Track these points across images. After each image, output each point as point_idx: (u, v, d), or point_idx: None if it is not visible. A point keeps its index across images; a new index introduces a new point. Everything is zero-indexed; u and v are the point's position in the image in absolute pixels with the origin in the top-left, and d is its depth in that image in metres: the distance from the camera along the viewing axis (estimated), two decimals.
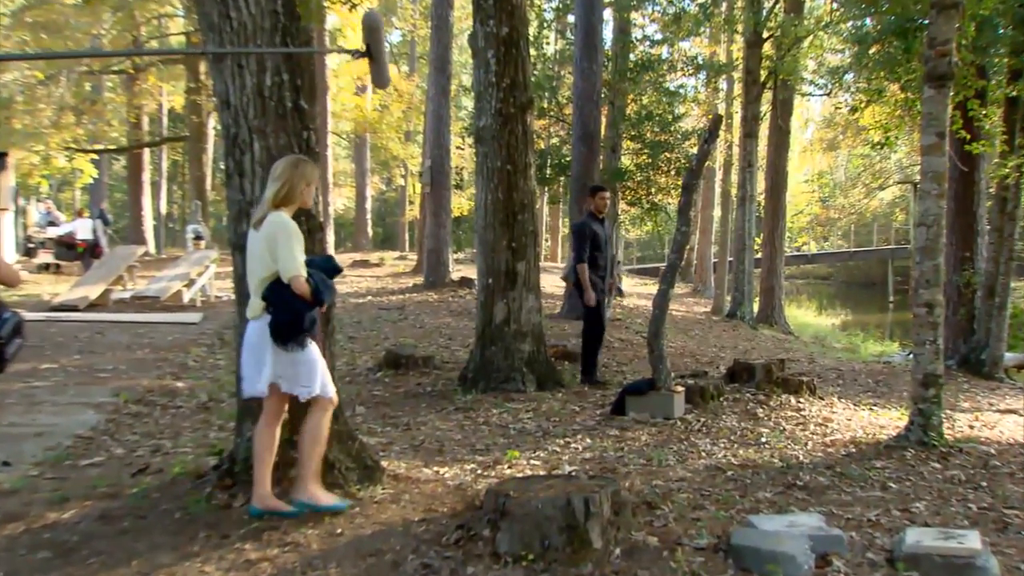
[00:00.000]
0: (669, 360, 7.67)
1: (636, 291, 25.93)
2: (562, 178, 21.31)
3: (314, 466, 4.42)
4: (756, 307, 21.05)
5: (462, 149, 33.88)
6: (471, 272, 19.89)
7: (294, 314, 4.20)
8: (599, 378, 8.91)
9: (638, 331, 13.38)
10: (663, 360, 7.34)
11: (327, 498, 4.47)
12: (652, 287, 26.57)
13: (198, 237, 23.99)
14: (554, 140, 24.24)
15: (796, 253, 46.59)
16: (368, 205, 37.40)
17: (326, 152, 25.45)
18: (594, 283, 8.67)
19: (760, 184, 23.12)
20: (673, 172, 19.38)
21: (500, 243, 8.41)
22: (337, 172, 38.91)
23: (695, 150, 18.34)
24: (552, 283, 25.18)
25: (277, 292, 4.22)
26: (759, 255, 22.41)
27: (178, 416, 7.27)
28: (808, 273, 56.51)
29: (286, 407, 4.49)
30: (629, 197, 20.32)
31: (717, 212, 32.61)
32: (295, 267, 4.18)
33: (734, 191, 24.10)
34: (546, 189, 26.25)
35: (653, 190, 19.98)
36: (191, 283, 16.38)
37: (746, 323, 18.90)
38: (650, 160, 19.67)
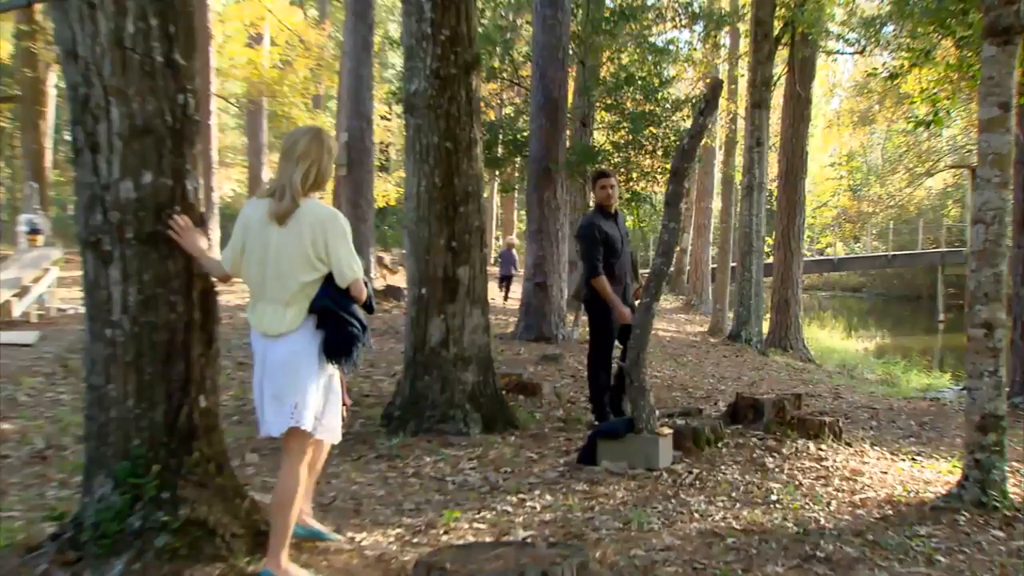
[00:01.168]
0: (653, 394, 7.67)
1: None
2: (517, 159, 21.44)
3: (292, 527, 4.65)
4: (766, 327, 21.30)
5: (388, 120, 33.85)
6: (399, 280, 19.78)
7: (360, 324, 4.58)
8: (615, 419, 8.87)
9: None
10: (645, 394, 7.33)
11: (300, 573, 4.63)
12: None
13: (34, 231, 23.61)
14: (507, 109, 24.40)
15: (819, 257, 47.05)
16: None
17: (209, 121, 25.25)
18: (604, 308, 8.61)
19: (772, 168, 23.40)
20: (659, 152, 19.58)
21: (437, 242, 8.41)
22: (224, 148, 38.65)
23: (688, 124, 18.45)
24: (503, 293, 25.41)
25: (336, 299, 4.55)
26: (770, 260, 22.75)
27: (4, 469, 7.08)
28: (834, 283, 57.23)
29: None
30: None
31: (717, 204, 32.93)
32: (358, 267, 4.58)
33: (739, 177, 24.33)
34: (496, 173, 26.35)
35: (634, 175, 20.17)
36: (24, 292, 16.13)
37: (753, 347, 19.21)
38: (631, 137, 19.86)
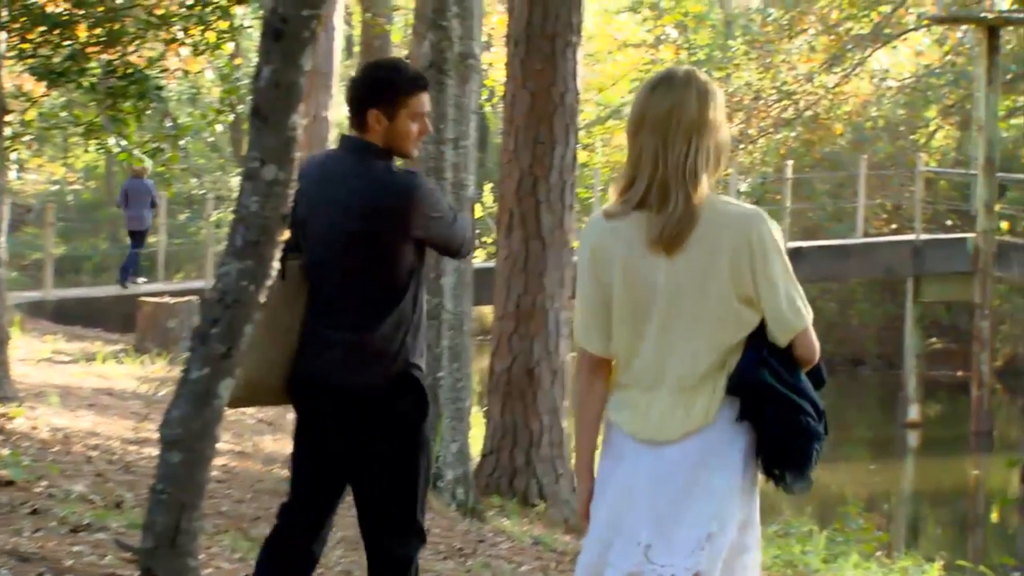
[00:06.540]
0: None
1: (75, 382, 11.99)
2: None
3: None
4: (479, 438, 10.02)
5: None
6: None
7: (816, 409, 2.88)
8: None
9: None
10: None
11: None
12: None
13: None
14: None
15: None
16: None
17: None
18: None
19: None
20: None
21: None
22: None
23: None
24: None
25: (775, 368, 2.81)
26: (488, 261, 14.03)
27: None
28: None
29: None
30: None
31: (338, 113, 19.25)
32: (807, 307, 2.91)
33: (397, 38, 19.15)
34: None
35: (130, 31, 9.06)
36: None
37: (444, 497, 9.05)
38: None
